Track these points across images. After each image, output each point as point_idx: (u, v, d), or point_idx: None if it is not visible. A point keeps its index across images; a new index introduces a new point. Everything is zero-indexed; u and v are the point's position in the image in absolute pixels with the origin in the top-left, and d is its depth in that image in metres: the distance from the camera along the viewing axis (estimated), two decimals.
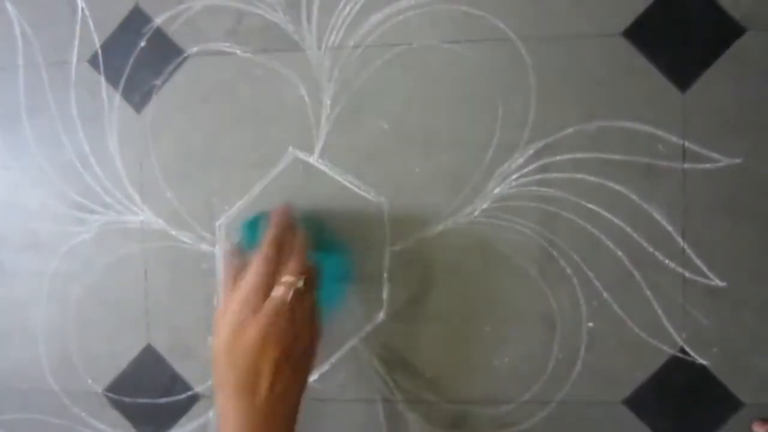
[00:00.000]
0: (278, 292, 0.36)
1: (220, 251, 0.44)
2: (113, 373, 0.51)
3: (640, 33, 0.44)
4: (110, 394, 0.51)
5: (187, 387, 0.50)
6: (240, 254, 0.41)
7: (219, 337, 0.37)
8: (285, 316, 0.35)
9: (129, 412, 0.51)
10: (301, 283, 0.36)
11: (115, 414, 0.51)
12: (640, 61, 0.44)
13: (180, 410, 0.50)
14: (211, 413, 0.50)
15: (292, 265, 0.37)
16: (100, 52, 0.50)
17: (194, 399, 0.50)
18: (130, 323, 0.51)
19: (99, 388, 0.51)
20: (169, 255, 0.50)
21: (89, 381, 0.51)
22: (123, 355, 0.51)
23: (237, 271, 0.39)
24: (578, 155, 0.45)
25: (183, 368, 0.50)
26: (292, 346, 0.36)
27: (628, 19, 0.44)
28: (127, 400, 0.51)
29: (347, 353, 0.48)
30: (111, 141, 0.50)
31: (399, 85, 0.47)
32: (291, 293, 0.36)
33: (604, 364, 0.46)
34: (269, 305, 0.36)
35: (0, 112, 0.51)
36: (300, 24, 0.47)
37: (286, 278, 0.36)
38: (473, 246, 0.46)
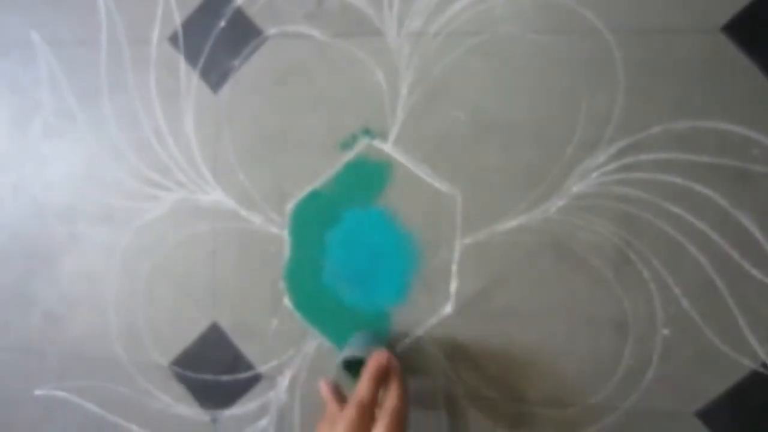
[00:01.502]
0: None
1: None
2: (179, 348, 0.52)
3: (740, 29, 0.42)
4: (175, 368, 0.52)
5: (249, 366, 0.51)
6: (338, 391, 0.42)
7: None
8: None
9: (192, 386, 0.52)
10: None
11: (178, 387, 0.52)
12: (738, 59, 0.42)
13: (241, 389, 0.51)
14: (271, 394, 0.51)
15: (384, 422, 0.37)
16: (180, 31, 0.50)
17: (256, 379, 0.51)
18: (196, 300, 0.51)
19: (165, 362, 0.52)
20: (238, 236, 0.50)
21: (156, 354, 0.53)
22: (189, 331, 0.52)
23: (333, 410, 0.40)
24: (664, 155, 0.43)
25: (246, 348, 0.51)
26: None
27: (728, 13, 0.42)
28: (190, 374, 0.52)
29: (411, 344, 0.48)
30: (187, 120, 0.51)
31: (478, 75, 0.46)
32: None
33: (677, 374, 0.44)
34: None
35: (81, 86, 0.52)
36: (381, 8, 0.47)
37: None
38: (547, 244, 0.45)
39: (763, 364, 0.43)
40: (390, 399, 0.38)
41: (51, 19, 0.53)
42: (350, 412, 0.37)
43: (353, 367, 0.42)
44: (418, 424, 0.48)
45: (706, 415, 0.44)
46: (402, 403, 0.38)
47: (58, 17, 0.52)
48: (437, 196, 0.47)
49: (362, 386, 0.39)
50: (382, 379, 0.40)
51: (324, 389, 0.42)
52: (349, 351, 0.43)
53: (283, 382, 0.50)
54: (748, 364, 0.43)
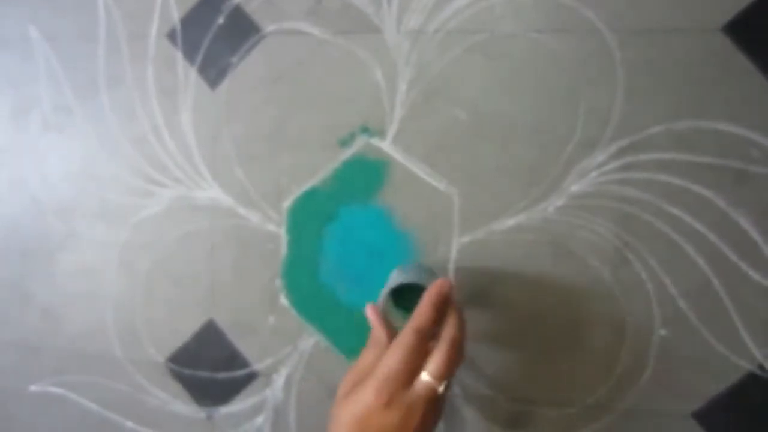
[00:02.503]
0: (418, 390, 0.34)
1: (370, 308, 0.40)
2: (175, 345, 0.52)
3: (740, 29, 0.42)
4: (172, 365, 0.52)
5: (246, 364, 0.51)
6: (385, 316, 0.40)
7: (349, 403, 0.35)
8: (419, 414, 0.34)
9: (189, 383, 0.52)
10: (441, 389, 0.35)
11: (175, 384, 0.52)
12: (738, 60, 0.42)
13: (238, 386, 0.51)
14: (267, 391, 0.50)
15: (437, 362, 0.35)
16: (179, 27, 0.50)
17: (252, 376, 0.51)
18: (194, 297, 0.51)
19: (161, 358, 0.52)
20: (235, 233, 0.50)
21: (152, 350, 0.53)
22: (185, 328, 0.52)
23: (379, 336, 0.39)
24: (664, 156, 0.43)
25: (243, 345, 0.51)
26: None
27: (728, 14, 0.42)
28: (187, 372, 0.52)
29: None
30: (185, 116, 0.50)
31: (478, 74, 0.45)
32: (430, 394, 0.34)
33: (674, 375, 0.44)
34: (406, 401, 0.34)
35: (80, 81, 0.52)
36: (380, 6, 0.46)
37: (428, 377, 0.34)
38: (545, 243, 0.45)
39: (760, 366, 0.43)
40: (449, 328, 0.36)
41: (49, 13, 0.52)
42: (408, 338, 0.35)
43: (400, 299, 0.41)
44: None
45: (702, 416, 0.44)
46: (461, 334, 0.36)
47: (56, 12, 0.52)
48: (435, 194, 0.47)
49: (422, 312, 0.36)
50: (442, 309, 0.37)
51: (371, 312, 0.40)
52: (399, 280, 0.40)
53: (279, 379, 0.50)
54: (744, 366, 0.43)
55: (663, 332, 0.44)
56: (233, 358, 0.51)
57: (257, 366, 0.51)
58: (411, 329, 0.36)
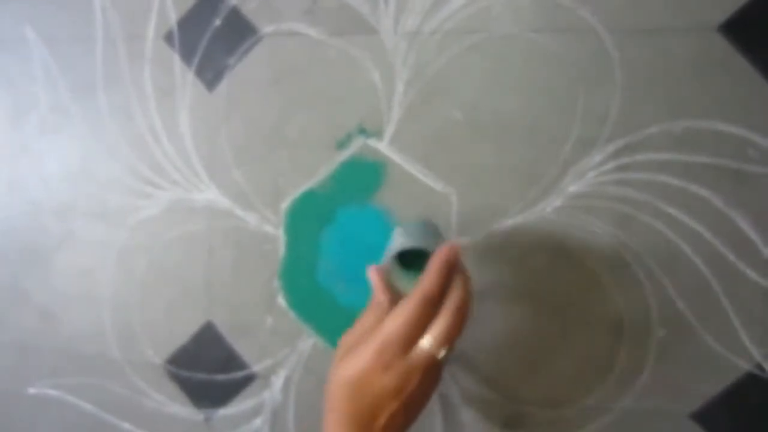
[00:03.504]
0: (418, 355, 0.34)
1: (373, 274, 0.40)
2: (173, 347, 0.52)
3: (737, 29, 0.42)
4: (169, 367, 0.52)
5: (244, 365, 0.51)
6: (387, 279, 0.39)
7: (347, 365, 0.35)
8: (417, 379, 0.34)
9: (187, 385, 0.52)
10: (442, 355, 0.34)
11: (173, 386, 0.52)
12: (735, 59, 0.42)
13: (236, 388, 0.51)
14: (266, 393, 0.50)
15: (440, 328, 0.34)
16: (175, 28, 0.50)
17: (251, 378, 0.51)
18: (191, 299, 0.51)
19: (159, 360, 0.52)
20: (233, 234, 0.50)
21: (150, 352, 0.52)
22: (183, 330, 0.52)
23: (381, 300, 0.38)
24: (661, 156, 0.43)
25: (241, 347, 0.51)
26: (415, 402, 0.35)
27: (724, 13, 0.42)
28: (185, 373, 0.52)
29: None
30: (182, 118, 0.50)
31: (476, 74, 0.45)
32: (430, 360, 0.34)
33: (672, 375, 0.44)
34: (405, 366, 0.34)
35: (77, 83, 0.52)
36: (377, 7, 0.46)
37: (430, 343, 0.34)
38: (543, 244, 0.45)
39: (758, 366, 0.43)
40: (455, 294, 0.35)
41: (46, 14, 0.52)
42: (413, 304, 0.34)
43: (406, 262, 0.39)
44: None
45: (700, 416, 0.44)
46: (466, 301, 0.35)
47: (53, 13, 0.52)
48: (433, 195, 0.47)
49: (429, 278, 0.35)
50: (449, 275, 0.36)
51: (373, 275, 0.39)
52: (405, 242, 0.39)
53: (278, 381, 0.50)
54: (743, 366, 0.43)
55: (661, 332, 0.44)
56: (231, 360, 0.51)
57: (255, 368, 0.51)
58: (417, 295, 0.35)
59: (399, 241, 0.41)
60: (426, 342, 0.34)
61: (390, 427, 0.34)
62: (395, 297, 0.38)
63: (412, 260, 0.39)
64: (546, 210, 0.45)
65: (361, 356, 0.34)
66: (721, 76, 0.42)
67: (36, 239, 0.54)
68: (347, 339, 0.37)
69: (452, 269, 0.36)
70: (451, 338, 0.34)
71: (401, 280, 0.39)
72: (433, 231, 0.43)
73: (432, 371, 0.35)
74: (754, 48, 0.42)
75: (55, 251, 0.54)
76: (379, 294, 0.39)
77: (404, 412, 0.34)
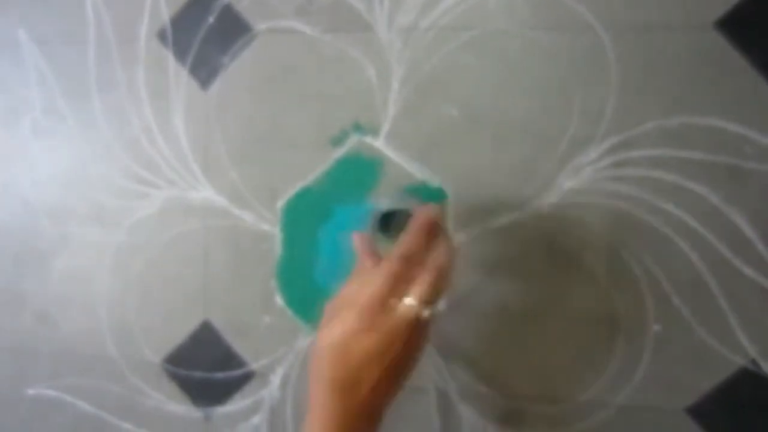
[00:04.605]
0: (402, 314, 0.33)
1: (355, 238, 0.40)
2: (171, 346, 0.52)
3: (733, 24, 0.41)
4: (167, 366, 0.52)
5: (242, 364, 0.51)
6: (372, 244, 0.39)
7: (329, 331, 0.35)
8: (401, 339, 0.33)
9: (185, 384, 0.52)
10: (426, 314, 0.34)
11: (171, 385, 0.52)
12: (731, 55, 0.42)
13: (235, 386, 0.51)
14: (264, 391, 0.51)
15: (423, 287, 0.34)
16: (169, 27, 0.50)
17: (249, 376, 0.51)
18: (189, 298, 0.51)
19: (157, 359, 0.52)
20: (229, 233, 0.50)
21: (148, 352, 0.53)
22: (181, 329, 0.52)
23: (366, 264, 0.38)
24: (657, 152, 0.43)
25: (239, 345, 0.51)
26: (400, 365, 0.34)
27: (721, 9, 0.42)
28: (183, 372, 0.52)
29: None
30: (177, 117, 0.50)
31: (470, 71, 0.45)
32: (414, 319, 0.33)
33: (668, 370, 0.44)
34: (388, 325, 0.33)
35: (70, 85, 0.52)
36: (371, 3, 0.46)
37: (413, 302, 0.33)
38: (539, 240, 0.45)
39: (753, 361, 0.43)
40: (437, 255, 0.35)
41: (38, 17, 0.52)
42: (393, 263, 0.34)
43: (388, 226, 0.40)
44: (408, 421, 0.48)
45: (696, 411, 0.44)
46: (449, 260, 0.35)
47: (45, 15, 0.52)
48: (428, 192, 0.46)
49: (409, 238, 0.35)
50: (430, 235, 0.36)
51: (357, 240, 0.39)
52: (387, 203, 0.40)
53: (276, 379, 0.50)
54: (738, 361, 0.43)
55: (657, 328, 0.44)
56: (229, 359, 0.51)
57: (253, 366, 0.51)
58: (396, 255, 0.34)
59: (381, 205, 0.41)
60: (408, 300, 0.34)
61: (375, 392, 0.34)
62: (380, 263, 0.37)
63: (397, 228, 0.39)
64: (542, 207, 0.45)
65: (344, 320, 0.34)
66: (717, 73, 0.42)
67: (31, 242, 0.54)
68: (331, 305, 0.37)
69: (433, 229, 0.36)
70: (433, 297, 0.34)
71: (385, 244, 0.39)
72: (415, 197, 0.43)
73: (416, 332, 0.34)
74: (750, 44, 0.41)
75: (51, 254, 0.54)
76: (364, 259, 0.38)
77: (389, 377, 0.34)
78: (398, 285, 0.34)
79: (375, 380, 0.34)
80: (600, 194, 0.44)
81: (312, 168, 0.48)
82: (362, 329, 0.33)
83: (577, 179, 0.44)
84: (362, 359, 0.33)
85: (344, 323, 0.34)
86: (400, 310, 0.34)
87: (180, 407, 0.52)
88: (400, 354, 0.34)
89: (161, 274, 0.52)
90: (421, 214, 0.37)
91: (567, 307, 0.45)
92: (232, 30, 0.48)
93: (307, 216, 0.49)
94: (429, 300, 0.34)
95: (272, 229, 0.49)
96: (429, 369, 0.48)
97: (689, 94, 0.42)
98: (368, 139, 0.47)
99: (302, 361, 0.50)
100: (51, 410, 0.55)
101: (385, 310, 0.33)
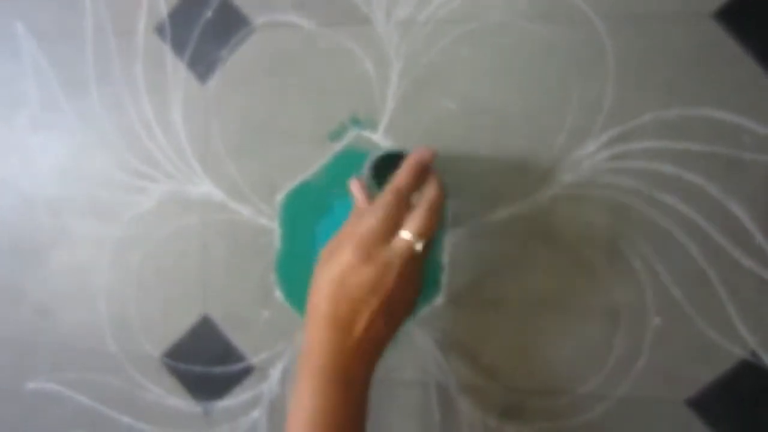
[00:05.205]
0: (395, 247, 0.35)
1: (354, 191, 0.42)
2: (170, 340, 0.52)
3: (731, 15, 0.41)
4: (167, 360, 0.52)
5: (241, 358, 0.51)
6: (367, 190, 0.41)
7: (328, 267, 0.36)
8: (395, 271, 0.35)
9: (185, 378, 0.52)
10: (419, 246, 0.35)
11: (170, 379, 0.52)
12: (729, 45, 0.42)
13: (234, 380, 0.51)
14: (263, 385, 0.51)
15: (416, 221, 0.36)
16: (167, 21, 0.50)
17: (248, 370, 0.51)
18: (187, 292, 0.51)
19: (157, 353, 0.52)
20: (227, 227, 0.50)
21: (147, 346, 0.53)
22: (180, 323, 0.52)
23: (363, 207, 0.39)
24: (655, 144, 0.43)
25: (238, 340, 0.51)
26: (394, 300, 0.36)
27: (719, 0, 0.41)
28: (182, 366, 0.52)
29: (402, 334, 0.48)
30: (175, 111, 0.50)
31: (468, 64, 0.45)
32: (407, 252, 0.35)
33: (668, 362, 0.44)
34: (383, 257, 0.35)
35: (68, 78, 0.52)
36: None
37: (407, 235, 0.35)
38: (538, 233, 0.45)
39: (753, 353, 0.43)
40: (429, 189, 0.37)
41: (35, 10, 0.52)
42: (386, 198, 0.36)
43: (383, 175, 0.41)
44: (408, 414, 0.48)
45: (696, 403, 0.44)
46: (441, 195, 0.37)
47: (42, 8, 0.52)
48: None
49: (401, 176, 0.37)
50: (421, 176, 0.38)
51: (354, 185, 0.41)
52: (382, 149, 0.41)
53: (275, 373, 0.50)
54: (738, 353, 0.43)
55: (657, 321, 0.44)
56: (229, 353, 0.51)
57: (253, 360, 0.51)
58: (389, 190, 0.37)
59: (375, 152, 0.43)
60: (403, 233, 0.35)
61: (370, 330, 0.35)
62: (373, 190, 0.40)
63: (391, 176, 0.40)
64: (541, 200, 0.45)
65: (341, 255, 0.35)
66: (715, 63, 0.42)
67: (30, 236, 0.54)
68: (329, 245, 0.38)
69: (425, 169, 0.38)
70: (427, 230, 0.36)
71: (380, 193, 0.40)
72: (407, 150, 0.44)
73: (411, 263, 0.35)
74: (748, 34, 0.41)
75: (50, 248, 0.54)
76: (360, 202, 0.40)
77: (384, 313, 0.35)
78: (392, 218, 0.36)
79: (369, 318, 0.35)
80: (599, 187, 0.44)
81: (311, 162, 0.48)
82: (359, 262, 0.35)
83: (576, 172, 0.44)
84: (359, 292, 0.35)
85: (342, 257, 0.35)
86: (394, 244, 0.35)
87: (179, 401, 0.52)
88: (393, 287, 0.35)
89: (160, 267, 0.52)
90: (415, 153, 0.39)
91: (567, 300, 0.45)
92: (230, 24, 0.48)
93: (306, 210, 0.49)
94: (422, 233, 0.35)
95: (271, 223, 0.49)
96: (429, 363, 0.48)
97: (687, 85, 0.42)
98: (367, 133, 0.47)
99: None
100: (50, 404, 0.55)
101: (381, 243, 0.35)
